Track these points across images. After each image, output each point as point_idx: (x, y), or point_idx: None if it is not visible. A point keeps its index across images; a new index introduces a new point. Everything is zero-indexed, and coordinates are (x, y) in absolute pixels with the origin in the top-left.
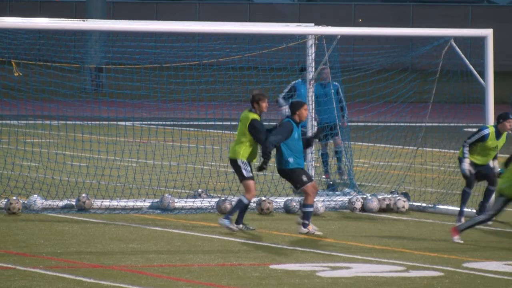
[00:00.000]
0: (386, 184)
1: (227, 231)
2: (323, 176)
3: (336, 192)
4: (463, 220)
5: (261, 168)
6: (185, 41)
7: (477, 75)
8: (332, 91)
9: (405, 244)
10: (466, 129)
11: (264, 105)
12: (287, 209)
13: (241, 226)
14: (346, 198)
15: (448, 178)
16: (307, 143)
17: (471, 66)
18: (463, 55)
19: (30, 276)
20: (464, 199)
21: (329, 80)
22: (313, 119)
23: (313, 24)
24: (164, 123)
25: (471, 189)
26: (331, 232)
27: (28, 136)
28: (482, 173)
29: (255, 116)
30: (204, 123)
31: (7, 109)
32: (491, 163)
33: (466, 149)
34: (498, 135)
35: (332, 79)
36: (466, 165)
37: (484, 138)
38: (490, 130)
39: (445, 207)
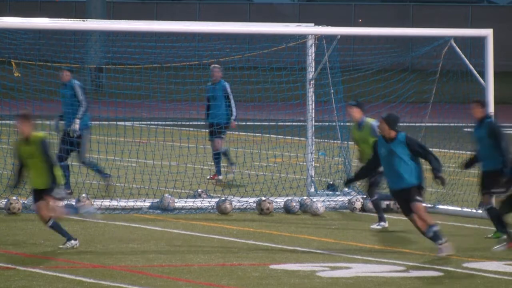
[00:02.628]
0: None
1: (227, 231)
2: (208, 177)
3: (336, 192)
4: None
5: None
6: (185, 41)
7: (477, 75)
8: (225, 90)
9: (405, 244)
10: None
11: None
12: (287, 209)
13: None
14: (346, 198)
15: (448, 178)
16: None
17: (471, 66)
18: (463, 55)
19: (30, 276)
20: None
21: (219, 79)
22: (312, 119)
23: (313, 24)
24: (164, 123)
25: None
26: (331, 233)
27: None
28: None
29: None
30: (204, 123)
31: (7, 109)
32: None
33: None
34: None
35: (331, 79)
36: None
37: None
38: None
39: (445, 207)
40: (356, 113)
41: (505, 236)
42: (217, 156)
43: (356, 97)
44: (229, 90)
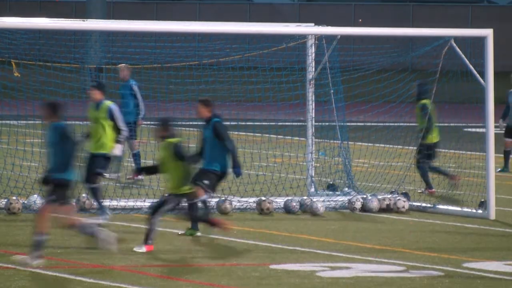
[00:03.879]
0: (386, 184)
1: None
2: (128, 177)
3: (336, 192)
4: None
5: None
6: (185, 41)
7: (477, 75)
8: (133, 88)
9: (405, 244)
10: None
11: None
12: (287, 209)
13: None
14: (346, 198)
15: (446, 178)
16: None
17: (471, 66)
18: (463, 55)
19: (30, 276)
20: None
21: (127, 78)
22: (312, 119)
23: (313, 24)
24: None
25: None
26: (331, 233)
27: (28, 136)
28: None
29: None
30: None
31: (7, 109)
32: None
33: None
34: None
35: (331, 79)
36: None
37: None
38: None
39: (445, 207)
40: (97, 94)
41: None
42: (135, 157)
43: (355, 97)
44: (136, 88)
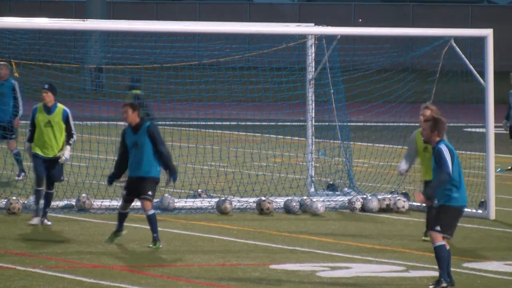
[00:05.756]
0: (386, 184)
1: (227, 231)
2: (16, 178)
3: (336, 192)
4: None
5: None
6: (185, 41)
7: (477, 75)
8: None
9: (405, 244)
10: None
11: None
12: (287, 209)
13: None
14: (346, 198)
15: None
16: None
17: (471, 66)
18: (463, 55)
19: (30, 276)
20: None
21: (6, 77)
22: (312, 119)
23: (313, 24)
24: (164, 123)
25: None
26: (331, 233)
27: None
28: None
29: None
30: (204, 123)
31: None
32: None
33: None
34: None
35: (331, 79)
36: None
37: None
38: None
39: None
40: (49, 97)
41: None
42: (16, 157)
43: (355, 97)
44: (17, 88)
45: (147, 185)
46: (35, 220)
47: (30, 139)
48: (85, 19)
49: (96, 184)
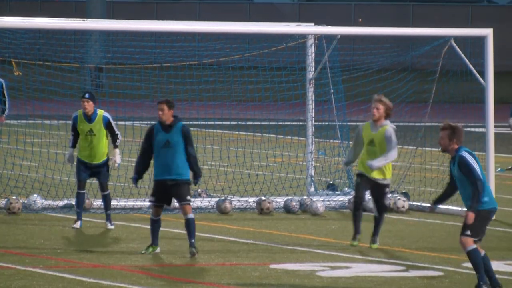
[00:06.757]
0: None
1: (227, 231)
2: None
3: (336, 192)
4: None
5: None
6: (185, 41)
7: (477, 75)
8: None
9: (405, 244)
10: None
11: None
12: (287, 209)
13: None
14: (346, 198)
15: (447, 178)
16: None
17: (471, 66)
18: (463, 55)
19: (30, 276)
20: None
21: None
22: (312, 119)
23: (313, 24)
24: None
25: None
26: (331, 232)
27: (28, 136)
28: None
29: None
30: (204, 122)
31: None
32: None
33: None
34: None
35: (331, 79)
36: None
37: None
38: None
39: (445, 207)
40: (90, 106)
41: None
42: None
43: (355, 97)
44: (4, 86)
45: (184, 190)
46: (77, 224)
47: (73, 145)
48: (85, 19)
49: (96, 184)
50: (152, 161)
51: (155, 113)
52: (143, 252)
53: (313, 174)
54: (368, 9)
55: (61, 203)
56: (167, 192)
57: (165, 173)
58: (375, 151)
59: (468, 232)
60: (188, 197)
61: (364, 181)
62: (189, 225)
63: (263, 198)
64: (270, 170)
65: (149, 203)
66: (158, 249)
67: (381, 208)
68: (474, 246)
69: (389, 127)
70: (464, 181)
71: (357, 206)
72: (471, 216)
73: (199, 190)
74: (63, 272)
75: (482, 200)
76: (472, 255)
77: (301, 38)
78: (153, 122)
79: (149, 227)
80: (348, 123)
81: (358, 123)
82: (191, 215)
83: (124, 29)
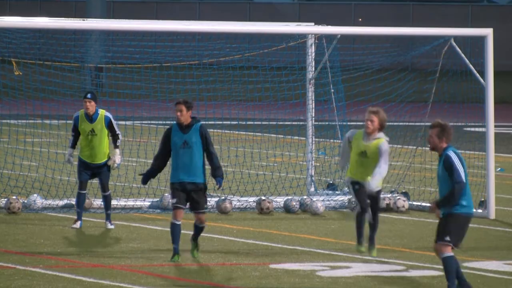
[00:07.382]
0: (386, 183)
1: (227, 231)
2: None
3: (336, 192)
4: None
5: None
6: (185, 41)
7: (477, 75)
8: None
9: (405, 244)
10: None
11: None
12: (287, 209)
13: None
14: (346, 198)
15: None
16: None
17: (471, 66)
18: (463, 55)
19: (30, 276)
20: None
21: None
22: (312, 119)
23: (313, 24)
24: (164, 122)
25: None
26: (331, 232)
27: (28, 136)
28: None
29: None
30: (204, 122)
31: (7, 109)
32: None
33: None
34: None
35: (331, 78)
36: None
37: None
38: None
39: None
40: (92, 107)
41: None
42: None
43: (355, 96)
44: None
45: (203, 199)
46: (77, 224)
47: (73, 145)
48: (85, 19)
49: (95, 184)
50: (168, 163)
51: (155, 113)
52: (169, 260)
53: (313, 174)
54: (368, 9)
55: (61, 202)
56: (186, 194)
57: (184, 174)
58: (368, 163)
59: (448, 238)
60: (206, 206)
61: (362, 188)
62: (200, 233)
63: (263, 197)
64: (270, 170)
65: (149, 203)
66: (179, 259)
67: (376, 214)
68: (452, 253)
69: (384, 140)
70: (447, 181)
71: (364, 211)
72: (434, 207)
73: None
74: (63, 272)
75: (461, 203)
76: (448, 262)
77: (301, 38)
78: (153, 122)
79: (148, 227)
80: (348, 123)
81: (358, 123)
82: (205, 225)
83: (124, 29)
